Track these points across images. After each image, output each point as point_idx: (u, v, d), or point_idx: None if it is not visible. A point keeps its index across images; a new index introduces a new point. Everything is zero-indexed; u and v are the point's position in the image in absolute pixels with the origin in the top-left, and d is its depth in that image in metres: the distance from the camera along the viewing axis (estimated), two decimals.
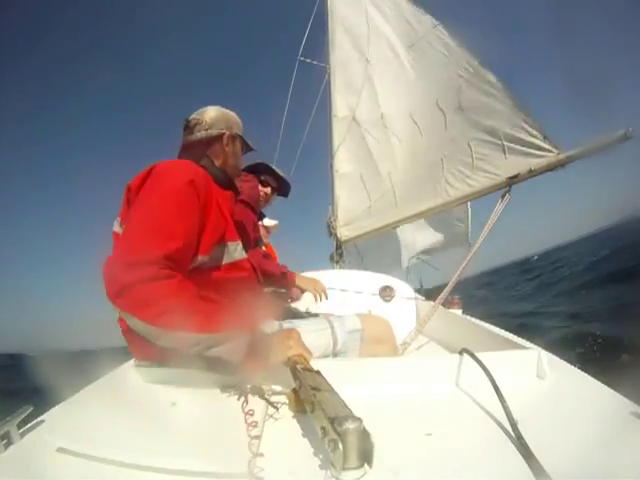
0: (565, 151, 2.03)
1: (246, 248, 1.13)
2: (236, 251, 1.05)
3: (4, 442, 0.61)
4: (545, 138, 2.13)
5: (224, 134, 1.17)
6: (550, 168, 2.02)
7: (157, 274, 0.76)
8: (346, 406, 0.58)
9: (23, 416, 0.67)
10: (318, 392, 0.63)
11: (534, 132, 2.18)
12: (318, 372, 0.74)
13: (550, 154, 2.07)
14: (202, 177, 0.97)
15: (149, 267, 0.76)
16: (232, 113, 1.24)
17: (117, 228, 1.01)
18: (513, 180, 2.21)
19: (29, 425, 0.69)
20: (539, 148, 2.13)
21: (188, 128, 1.16)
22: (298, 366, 0.77)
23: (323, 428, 0.53)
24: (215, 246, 0.98)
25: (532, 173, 2.10)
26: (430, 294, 2.59)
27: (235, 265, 1.04)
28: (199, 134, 1.14)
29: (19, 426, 0.65)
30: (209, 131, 1.15)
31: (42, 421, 0.71)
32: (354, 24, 3.70)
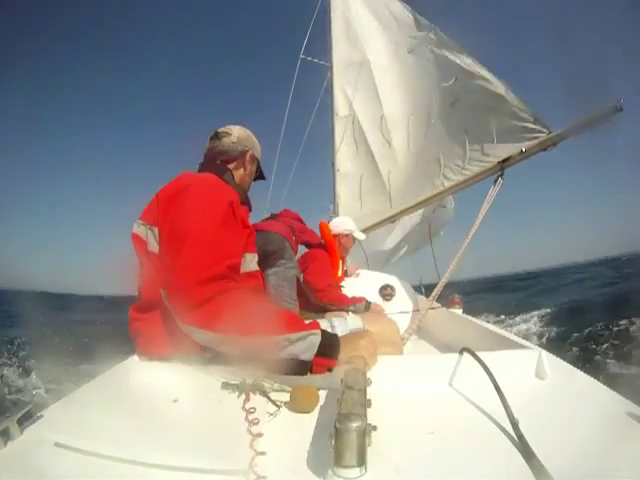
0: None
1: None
2: (252, 262, 1.10)
3: (3, 438, 0.59)
4: (536, 120, 2.15)
5: (247, 152, 1.22)
6: (542, 148, 2.04)
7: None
8: (363, 406, 0.56)
9: (23, 412, 0.65)
10: (349, 390, 0.62)
11: (525, 116, 2.20)
12: (364, 373, 0.74)
13: (541, 134, 2.08)
14: (236, 196, 1.03)
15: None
16: (254, 137, 1.28)
17: (139, 231, 1.00)
18: (505, 164, 2.24)
19: (29, 421, 0.67)
20: (530, 130, 2.16)
21: (216, 138, 1.19)
22: (350, 366, 0.76)
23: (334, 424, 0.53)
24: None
25: (524, 154, 2.12)
26: (430, 291, 2.60)
27: (250, 274, 1.08)
28: (227, 146, 1.18)
29: (19, 422, 0.63)
30: (236, 145, 1.19)
31: (42, 417, 0.68)
32: (356, 26, 3.73)
